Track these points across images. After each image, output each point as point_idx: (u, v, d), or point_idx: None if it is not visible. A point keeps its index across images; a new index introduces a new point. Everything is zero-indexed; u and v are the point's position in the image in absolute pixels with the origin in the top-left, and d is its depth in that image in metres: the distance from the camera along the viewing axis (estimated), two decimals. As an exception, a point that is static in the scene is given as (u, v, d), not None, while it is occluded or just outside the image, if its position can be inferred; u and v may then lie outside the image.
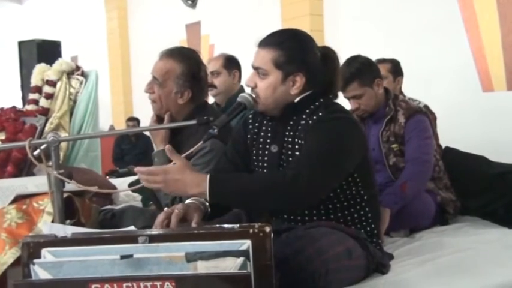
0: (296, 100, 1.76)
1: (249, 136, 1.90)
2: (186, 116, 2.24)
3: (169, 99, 2.22)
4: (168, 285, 1.17)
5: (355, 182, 1.76)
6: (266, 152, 1.83)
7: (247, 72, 1.81)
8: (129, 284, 1.18)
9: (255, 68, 1.76)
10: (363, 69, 2.51)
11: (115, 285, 1.18)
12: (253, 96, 1.76)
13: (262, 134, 1.86)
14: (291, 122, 1.78)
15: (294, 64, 1.73)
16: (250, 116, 1.93)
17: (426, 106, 3.27)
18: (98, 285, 1.18)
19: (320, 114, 1.73)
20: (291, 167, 1.66)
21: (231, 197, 1.61)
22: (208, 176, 1.58)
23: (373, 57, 2.64)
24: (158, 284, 1.17)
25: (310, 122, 1.73)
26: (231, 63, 3.24)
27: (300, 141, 1.73)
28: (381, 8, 5.02)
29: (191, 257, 1.21)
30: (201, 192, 1.57)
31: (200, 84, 2.26)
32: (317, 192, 1.64)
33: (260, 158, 1.84)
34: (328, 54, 1.84)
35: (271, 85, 1.73)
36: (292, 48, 1.74)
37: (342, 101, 2.45)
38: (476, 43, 4.30)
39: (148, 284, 1.18)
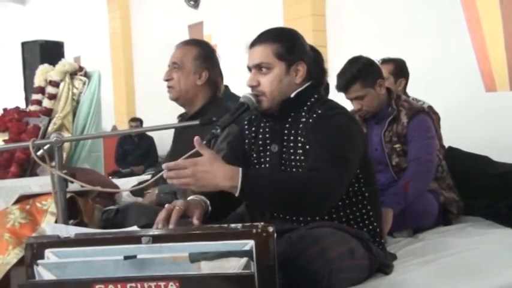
0: (292, 95, 1.78)
1: (246, 141, 1.91)
2: (204, 102, 2.37)
3: (188, 80, 2.36)
4: (172, 285, 1.17)
5: (357, 179, 1.77)
6: (267, 153, 1.83)
7: (248, 73, 1.81)
8: (133, 285, 1.18)
9: (256, 66, 1.77)
10: (365, 70, 2.51)
11: (119, 285, 1.18)
12: (257, 94, 1.76)
13: (260, 136, 1.87)
14: (289, 120, 1.79)
15: (294, 53, 1.78)
16: (246, 122, 1.94)
17: (430, 107, 3.27)
18: (102, 286, 1.18)
19: (319, 111, 1.75)
20: (310, 167, 1.64)
21: (263, 194, 1.54)
22: (240, 169, 1.51)
23: (376, 58, 2.64)
24: (162, 284, 1.17)
25: (310, 120, 1.74)
26: None
27: (302, 139, 1.74)
28: (383, 8, 5.01)
29: (195, 257, 1.21)
30: (233, 185, 1.49)
31: (215, 68, 2.42)
32: (342, 190, 1.66)
33: (262, 159, 1.85)
34: (313, 48, 1.94)
35: (277, 77, 1.75)
36: (288, 39, 1.80)
37: (344, 102, 2.45)
38: (479, 43, 4.29)
39: (152, 284, 1.17)
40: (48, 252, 1.27)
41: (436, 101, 3.49)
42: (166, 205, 1.57)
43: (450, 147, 2.99)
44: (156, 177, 2.08)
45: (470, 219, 2.63)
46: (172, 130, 2.54)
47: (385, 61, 3.34)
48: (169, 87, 2.39)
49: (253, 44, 1.80)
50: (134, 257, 1.22)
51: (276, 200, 1.56)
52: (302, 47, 1.81)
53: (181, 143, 2.43)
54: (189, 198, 1.66)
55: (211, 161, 1.50)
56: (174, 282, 1.17)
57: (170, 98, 2.42)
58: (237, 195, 1.50)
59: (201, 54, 2.38)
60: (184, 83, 2.36)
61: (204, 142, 1.71)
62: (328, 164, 1.58)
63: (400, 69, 3.40)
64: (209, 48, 2.45)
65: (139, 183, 2.75)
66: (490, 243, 2.13)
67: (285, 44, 1.76)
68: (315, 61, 1.86)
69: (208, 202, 1.68)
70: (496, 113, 4.12)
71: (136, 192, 2.83)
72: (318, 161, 1.62)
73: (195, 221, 1.56)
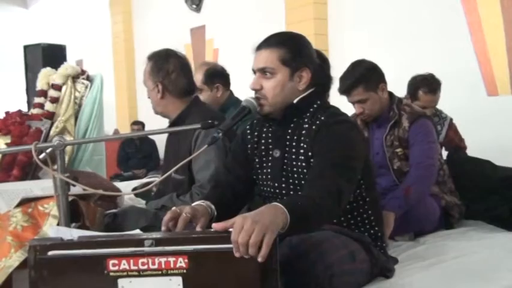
0: (295, 101, 1.77)
1: (249, 146, 1.90)
2: (180, 111, 2.38)
3: (152, 97, 2.44)
4: (181, 261, 1.23)
5: (359, 185, 1.77)
6: (270, 158, 1.83)
7: (251, 77, 1.82)
8: (145, 260, 1.24)
9: (260, 70, 1.76)
10: (368, 74, 2.51)
11: (131, 260, 1.24)
12: (259, 97, 1.76)
13: (263, 141, 1.87)
14: (292, 125, 1.79)
15: (300, 60, 1.76)
16: (248, 127, 1.94)
17: (451, 119, 3.31)
18: (116, 261, 1.24)
19: (322, 118, 1.74)
20: (315, 175, 1.63)
21: (306, 221, 1.46)
22: (280, 204, 1.38)
23: (377, 62, 2.64)
24: (172, 260, 1.24)
25: (313, 127, 1.73)
26: (211, 78, 3.14)
27: (304, 146, 1.74)
28: (385, 12, 5.02)
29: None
30: (286, 220, 1.35)
31: (170, 75, 2.39)
32: (349, 197, 1.67)
33: (264, 164, 1.85)
34: (321, 54, 1.91)
35: (280, 83, 1.74)
36: (294, 45, 1.78)
37: (346, 105, 2.46)
38: (480, 47, 4.30)
39: (163, 260, 1.24)
40: (51, 254, 1.27)
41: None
42: (172, 208, 1.57)
43: (452, 151, 2.99)
44: (156, 181, 2.10)
45: (472, 223, 2.63)
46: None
47: (432, 91, 3.26)
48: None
49: (259, 47, 1.79)
50: None
51: (313, 222, 1.53)
52: (308, 54, 1.80)
53: (170, 150, 2.49)
54: (194, 204, 1.66)
55: (247, 214, 1.33)
56: (183, 257, 1.23)
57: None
58: (288, 223, 1.36)
59: (152, 68, 2.41)
60: (152, 100, 2.45)
61: (206, 146, 1.72)
62: (333, 173, 1.58)
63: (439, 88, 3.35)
64: (160, 58, 2.42)
65: (142, 186, 2.76)
66: (492, 247, 2.13)
67: (290, 49, 1.75)
68: (321, 68, 1.83)
69: (213, 207, 1.67)
70: (497, 117, 4.12)
71: (139, 194, 2.84)
72: (323, 170, 1.62)
73: (199, 230, 1.55)
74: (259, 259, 1.22)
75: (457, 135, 3.46)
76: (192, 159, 2.19)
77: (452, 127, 3.43)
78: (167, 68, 2.39)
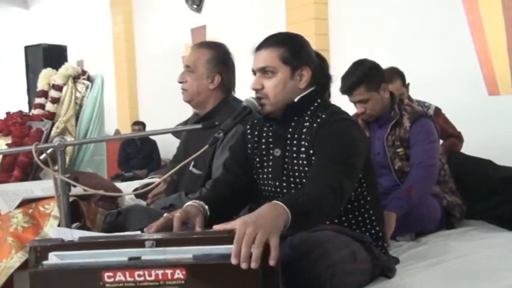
0: (296, 99, 1.78)
1: (249, 146, 1.91)
2: (215, 105, 2.38)
3: (201, 84, 2.36)
4: (178, 273, 1.21)
5: (360, 183, 1.77)
6: (270, 157, 1.84)
7: (251, 77, 1.82)
8: (141, 272, 1.21)
9: (261, 69, 1.77)
10: (370, 73, 2.51)
11: (127, 273, 1.22)
12: (260, 97, 1.76)
13: (263, 140, 1.87)
14: (293, 124, 1.79)
15: (300, 58, 1.78)
16: (248, 127, 1.94)
17: (437, 108, 3.30)
18: (111, 273, 1.22)
19: (323, 116, 1.75)
20: (316, 173, 1.63)
21: (309, 218, 1.47)
22: (280, 203, 1.38)
23: (378, 61, 2.63)
24: (169, 272, 1.21)
25: (314, 125, 1.74)
26: None
27: (305, 144, 1.74)
28: (385, 12, 5.01)
29: (199, 259, 1.22)
30: (287, 218, 1.36)
31: (229, 71, 2.40)
32: (350, 194, 1.67)
33: (265, 164, 1.85)
34: (319, 54, 1.92)
35: (281, 82, 1.75)
36: (294, 44, 1.80)
37: (347, 104, 2.45)
38: (481, 47, 4.29)
39: (159, 272, 1.21)
40: (52, 255, 1.27)
41: (439, 105, 3.50)
42: (164, 214, 1.57)
43: (453, 151, 2.98)
44: (158, 182, 2.09)
45: (473, 223, 2.63)
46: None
47: (390, 79, 3.26)
48: (183, 89, 2.40)
49: (259, 48, 1.80)
50: (139, 258, 1.23)
51: (316, 218, 1.52)
52: (307, 52, 1.82)
53: (191, 143, 2.46)
54: (186, 204, 1.65)
55: (247, 216, 1.33)
56: (181, 270, 1.21)
57: (183, 100, 2.43)
58: (289, 221, 1.37)
59: (214, 57, 2.37)
60: (197, 86, 2.36)
61: (207, 146, 1.72)
62: (334, 170, 1.59)
63: (403, 77, 3.36)
64: (223, 51, 2.42)
65: (144, 186, 2.76)
66: (493, 246, 2.13)
67: (290, 48, 1.77)
68: (320, 67, 1.85)
69: (206, 207, 1.67)
70: (498, 116, 4.12)
71: (140, 195, 2.84)
72: (324, 167, 1.62)
73: (198, 230, 1.55)
74: (271, 262, 1.21)
75: (449, 125, 3.48)
76: (215, 157, 2.23)
77: (440, 115, 3.44)
78: (229, 63, 2.41)
